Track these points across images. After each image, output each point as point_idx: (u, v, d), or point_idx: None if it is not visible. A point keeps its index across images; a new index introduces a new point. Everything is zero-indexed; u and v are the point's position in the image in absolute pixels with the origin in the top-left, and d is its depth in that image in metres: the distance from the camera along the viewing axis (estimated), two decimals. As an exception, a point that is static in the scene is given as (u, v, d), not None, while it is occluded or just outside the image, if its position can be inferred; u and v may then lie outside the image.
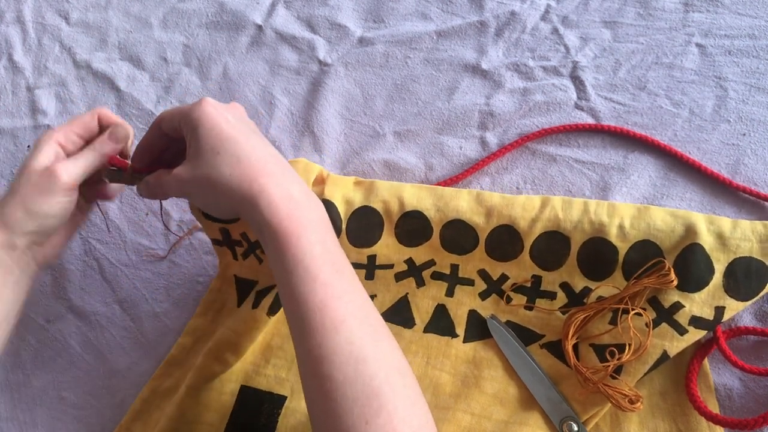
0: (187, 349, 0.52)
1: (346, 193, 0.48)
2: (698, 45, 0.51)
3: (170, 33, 0.63)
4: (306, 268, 0.36)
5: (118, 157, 0.46)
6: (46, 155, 0.43)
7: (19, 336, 0.58)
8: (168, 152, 0.45)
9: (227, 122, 0.39)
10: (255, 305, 0.48)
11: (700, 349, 0.44)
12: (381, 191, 0.48)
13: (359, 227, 0.48)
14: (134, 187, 0.50)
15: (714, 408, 0.44)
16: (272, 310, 0.47)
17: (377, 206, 0.48)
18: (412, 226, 0.48)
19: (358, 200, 0.48)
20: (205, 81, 0.61)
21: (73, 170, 0.43)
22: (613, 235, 0.44)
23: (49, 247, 0.46)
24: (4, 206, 0.43)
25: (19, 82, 0.65)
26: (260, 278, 0.50)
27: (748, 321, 0.45)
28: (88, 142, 0.45)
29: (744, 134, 0.49)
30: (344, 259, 0.38)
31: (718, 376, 0.45)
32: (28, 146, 0.63)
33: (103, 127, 0.46)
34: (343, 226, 0.48)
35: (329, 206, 0.47)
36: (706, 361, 0.44)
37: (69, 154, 0.44)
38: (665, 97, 0.51)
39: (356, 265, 0.49)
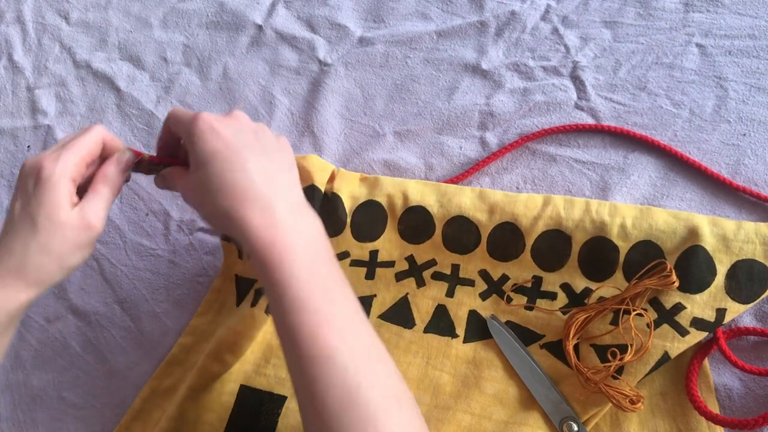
0: (188, 348, 0.52)
1: (352, 190, 0.49)
2: (698, 45, 0.51)
3: (170, 33, 0.63)
4: (293, 296, 0.34)
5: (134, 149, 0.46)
6: (65, 196, 0.39)
7: (19, 336, 0.58)
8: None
9: (218, 139, 0.37)
10: (254, 303, 0.48)
11: (701, 350, 0.44)
12: (385, 186, 0.49)
13: (363, 221, 0.49)
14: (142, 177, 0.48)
15: (714, 408, 0.44)
16: (270, 309, 0.47)
17: (381, 200, 0.49)
18: (415, 222, 0.48)
19: (363, 195, 0.49)
20: (205, 81, 0.61)
21: (103, 214, 0.41)
22: (614, 235, 0.44)
23: None
24: (30, 258, 0.38)
25: (19, 82, 0.65)
26: None
27: (748, 321, 0.45)
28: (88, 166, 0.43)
29: (744, 134, 0.49)
30: (336, 277, 0.37)
31: (718, 376, 0.45)
32: (28, 146, 0.63)
33: (104, 148, 0.43)
34: (348, 220, 0.48)
35: (336, 200, 0.48)
36: (706, 362, 0.44)
37: (78, 186, 0.41)
38: (665, 97, 0.51)
39: (358, 262, 0.49)
